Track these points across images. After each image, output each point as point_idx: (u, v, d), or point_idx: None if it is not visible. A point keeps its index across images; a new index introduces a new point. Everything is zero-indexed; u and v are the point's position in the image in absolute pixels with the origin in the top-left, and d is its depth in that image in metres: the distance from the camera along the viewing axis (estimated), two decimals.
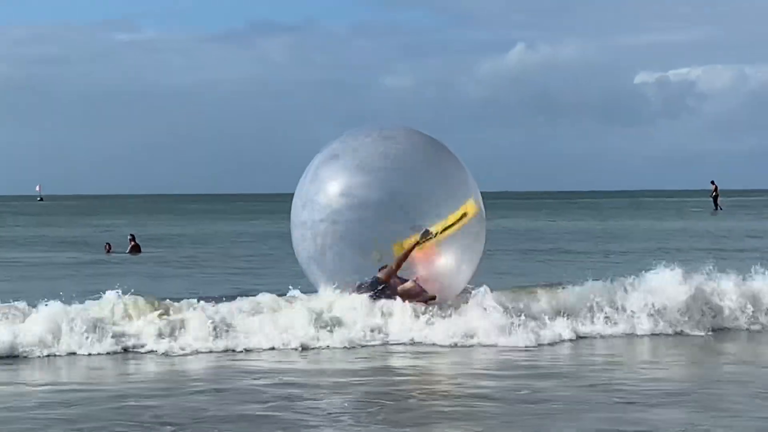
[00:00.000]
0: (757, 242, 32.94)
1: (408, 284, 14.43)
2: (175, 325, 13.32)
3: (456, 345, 13.43)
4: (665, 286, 15.32)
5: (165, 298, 14.34)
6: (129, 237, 32.35)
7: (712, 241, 33.53)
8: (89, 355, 12.62)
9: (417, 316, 13.99)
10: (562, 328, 14.15)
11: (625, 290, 15.29)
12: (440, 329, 13.74)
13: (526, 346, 13.34)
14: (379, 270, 14.42)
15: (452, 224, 14.54)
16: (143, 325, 13.30)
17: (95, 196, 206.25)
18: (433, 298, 14.41)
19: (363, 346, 13.35)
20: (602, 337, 14.39)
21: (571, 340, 14.00)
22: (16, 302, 13.74)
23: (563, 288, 15.63)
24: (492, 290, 14.54)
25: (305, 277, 15.28)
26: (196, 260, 27.50)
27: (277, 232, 41.82)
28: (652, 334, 14.62)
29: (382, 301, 14.17)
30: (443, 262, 14.60)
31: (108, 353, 12.70)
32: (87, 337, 12.80)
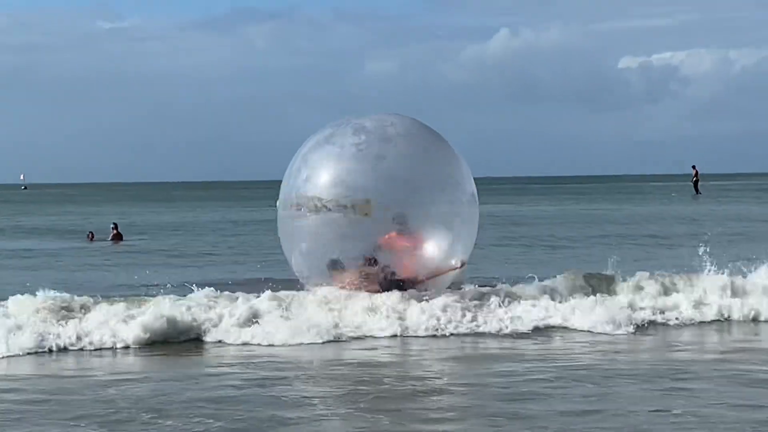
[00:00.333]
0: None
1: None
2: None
3: None
4: None
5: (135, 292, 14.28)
6: (111, 226, 32.57)
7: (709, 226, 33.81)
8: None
9: None
10: None
11: None
12: None
13: None
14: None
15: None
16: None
17: (79, 184, 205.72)
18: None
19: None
20: None
21: None
22: None
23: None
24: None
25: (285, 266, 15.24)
26: (175, 250, 27.51)
27: (257, 220, 41.94)
28: None
29: None
30: (436, 247, 14.46)
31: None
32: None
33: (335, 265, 14.38)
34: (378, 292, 14.12)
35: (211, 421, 8.74)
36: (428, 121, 15.41)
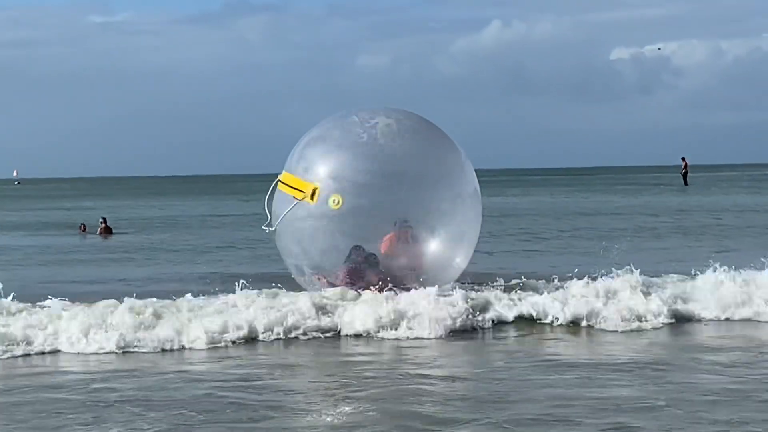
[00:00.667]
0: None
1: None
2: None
3: None
4: None
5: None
6: (100, 220, 33.00)
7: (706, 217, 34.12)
8: None
9: None
10: None
11: None
12: None
13: None
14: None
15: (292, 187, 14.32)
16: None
17: (73, 178, 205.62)
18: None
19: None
20: None
21: None
22: None
23: None
24: None
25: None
26: (162, 244, 27.75)
27: (246, 213, 42.15)
28: None
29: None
30: (437, 247, 14.22)
31: None
32: None
33: (357, 252, 14.09)
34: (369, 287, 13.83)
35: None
36: (421, 114, 15.29)
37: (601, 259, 17.14)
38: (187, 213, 46.60)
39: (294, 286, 14.56)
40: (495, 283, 15.00)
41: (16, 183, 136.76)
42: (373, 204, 14.08)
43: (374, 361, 11.34)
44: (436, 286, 13.65)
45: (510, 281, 15.35)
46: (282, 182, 14.51)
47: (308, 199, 14.12)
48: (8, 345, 11.96)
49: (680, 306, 13.93)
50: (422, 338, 12.61)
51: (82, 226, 32.95)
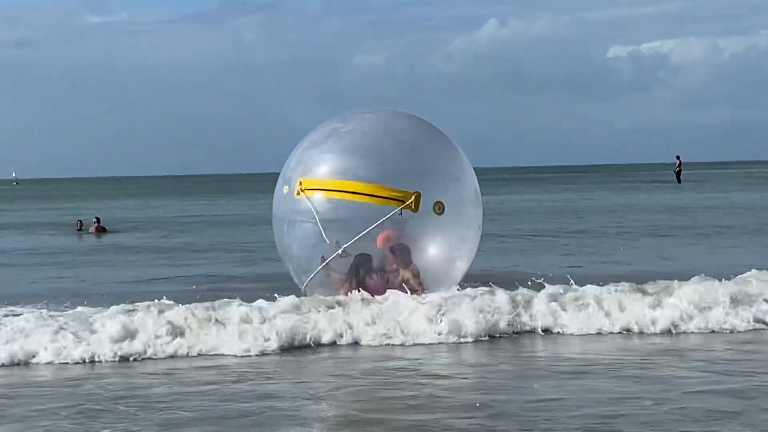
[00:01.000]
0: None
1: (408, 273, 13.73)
2: None
3: None
4: None
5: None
6: (94, 219, 33.78)
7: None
8: None
9: None
10: None
11: None
12: None
13: None
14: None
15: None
16: None
17: (71, 179, 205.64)
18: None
19: None
20: None
21: None
22: None
23: None
24: None
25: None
26: (156, 246, 27.97)
27: (242, 214, 42.42)
28: None
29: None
30: (437, 251, 13.93)
31: None
32: None
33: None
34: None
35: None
36: (417, 112, 15.17)
37: None
38: (182, 213, 46.82)
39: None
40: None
41: (14, 183, 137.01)
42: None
43: None
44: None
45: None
46: (362, 194, 13.61)
47: (411, 207, 13.60)
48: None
49: None
50: None
51: (79, 223, 34.25)
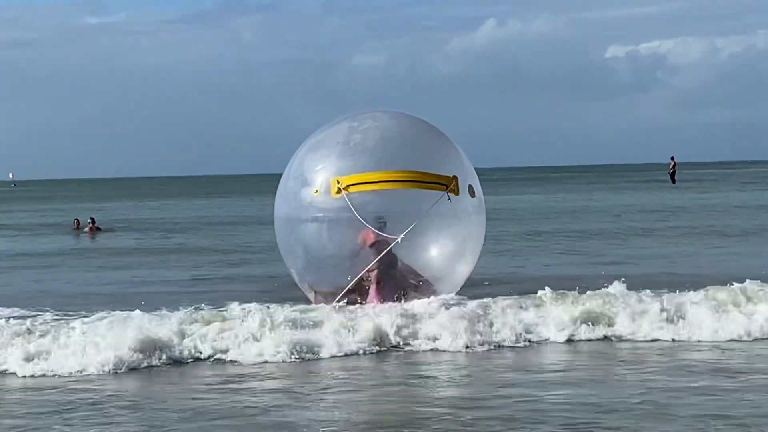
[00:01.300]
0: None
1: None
2: None
3: None
4: None
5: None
6: (89, 220, 34.14)
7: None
8: None
9: None
10: None
11: None
12: None
13: None
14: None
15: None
16: None
17: (69, 180, 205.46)
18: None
19: None
20: None
21: None
22: None
23: None
24: None
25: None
26: (147, 245, 28.06)
27: (241, 215, 42.49)
28: None
29: None
30: (441, 252, 13.89)
31: None
32: None
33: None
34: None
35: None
36: (417, 112, 15.12)
37: None
38: (179, 214, 46.90)
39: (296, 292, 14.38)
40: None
41: (12, 185, 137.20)
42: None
43: None
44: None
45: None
46: (405, 181, 13.56)
47: (455, 191, 13.69)
48: None
49: None
50: None
51: (76, 222, 35.01)
